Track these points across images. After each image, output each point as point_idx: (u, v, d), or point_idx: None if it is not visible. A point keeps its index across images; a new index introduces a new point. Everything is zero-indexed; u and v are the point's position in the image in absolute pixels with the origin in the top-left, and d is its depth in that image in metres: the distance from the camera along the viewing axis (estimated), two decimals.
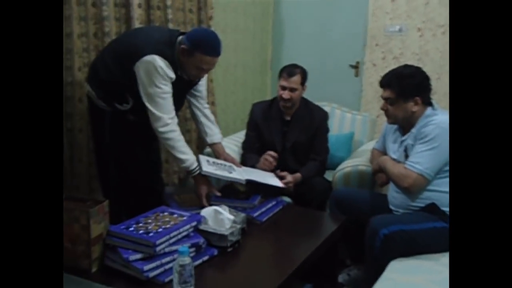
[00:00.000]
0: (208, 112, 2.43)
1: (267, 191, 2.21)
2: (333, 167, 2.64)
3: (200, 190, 2.10)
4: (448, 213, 1.88)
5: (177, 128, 2.05)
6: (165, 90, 1.99)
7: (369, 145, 2.70)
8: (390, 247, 1.80)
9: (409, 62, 3.62)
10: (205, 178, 2.12)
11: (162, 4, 2.86)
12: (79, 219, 1.51)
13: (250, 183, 2.16)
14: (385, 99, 2.06)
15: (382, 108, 2.10)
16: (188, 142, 3.23)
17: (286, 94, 2.50)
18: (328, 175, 2.59)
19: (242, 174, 2.21)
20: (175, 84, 2.06)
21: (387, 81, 2.05)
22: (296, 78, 2.50)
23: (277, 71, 4.33)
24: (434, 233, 1.84)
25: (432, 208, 1.91)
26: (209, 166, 2.17)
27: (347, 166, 2.43)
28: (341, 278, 2.23)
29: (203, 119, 2.40)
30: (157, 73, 1.94)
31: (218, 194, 2.13)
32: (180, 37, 2.04)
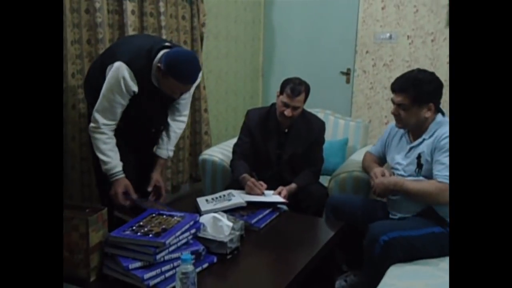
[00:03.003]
0: (174, 125, 2.28)
1: (267, 205, 2.20)
2: (328, 173, 2.65)
3: (116, 189, 2.02)
4: (444, 217, 1.90)
5: (109, 133, 2.01)
6: (117, 100, 1.95)
7: (363, 151, 2.71)
8: (390, 254, 1.80)
9: (399, 69, 3.70)
10: (123, 182, 2.05)
11: (155, 11, 2.86)
12: (78, 227, 1.49)
13: (251, 203, 2.14)
14: (398, 104, 1.99)
15: (393, 113, 2.03)
16: (181, 149, 3.23)
17: (288, 112, 2.35)
18: (323, 181, 2.59)
19: (242, 196, 2.19)
20: (154, 95, 2.02)
21: (401, 86, 1.98)
22: (301, 97, 2.35)
23: (268, 78, 4.40)
24: (433, 238, 1.85)
25: (429, 213, 1.93)
26: (208, 204, 2.14)
27: (342, 172, 2.43)
28: (338, 284, 2.23)
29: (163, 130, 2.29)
30: (118, 82, 1.91)
31: (135, 196, 2.07)
32: (163, 52, 1.97)
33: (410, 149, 2.04)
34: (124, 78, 1.91)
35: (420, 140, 2.00)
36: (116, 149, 2.04)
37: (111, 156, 2.02)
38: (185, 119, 2.33)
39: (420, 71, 2.03)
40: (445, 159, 1.87)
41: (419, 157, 1.99)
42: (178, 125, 2.30)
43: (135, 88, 1.95)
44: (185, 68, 1.91)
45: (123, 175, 2.05)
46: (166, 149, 2.28)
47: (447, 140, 1.88)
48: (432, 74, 2.01)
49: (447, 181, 1.83)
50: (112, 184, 2.05)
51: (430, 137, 1.97)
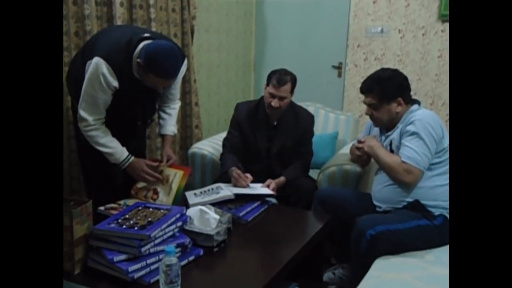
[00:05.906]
0: (169, 110, 2.34)
1: (255, 197, 2.21)
2: (318, 166, 2.65)
3: (141, 168, 2.09)
4: (429, 209, 1.92)
5: (101, 127, 2.01)
6: (100, 96, 1.93)
7: None
8: (377, 247, 1.80)
9: (390, 63, 3.71)
10: (140, 161, 2.11)
11: (144, 3, 2.83)
12: (62, 220, 1.47)
13: (239, 195, 2.15)
14: (368, 105, 2.09)
15: (367, 113, 2.12)
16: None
17: (275, 103, 2.37)
18: (313, 174, 2.59)
19: (230, 189, 2.20)
20: (137, 88, 1.99)
21: (367, 87, 2.08)
22: (287, 87, 2.36)
23: (260, 71, 4.39)
24: (419, 231, 1.86)
25: (415, 206, 1.94)
26: (196, 198, 2.15)
27: (331, 165, 2.43)
28: (326, 277, 2.24)
29: (160, 112, 2.35)
30: (98, 78, 1.88)
31: (155, 164, 2.17)
32: (142, 44, 1.92)
33: (387, 137, 2.11)
34: (103, 74, 1.87)
35: (394, 128, 2.08)
36: (114, 138, 2.04)
37: (113, 147, 2.03)
38: (178, 101, 2.39)
39: (383, 70, 2.14)
40: (410, 142, 1.95)
41: (390, 143, 2.07)
42: (174, 106, 2.35)
43: (115, 83, 1.92)
44: (164, 63, 1.87)
45: (133, 157, 2.08)
46: (170, 125, 2.34)
47: (414, 124, 1.95)
48: (395, 70, 2.11)
49: (410, 162, 1.92)
50: (128, 170, 2.08)
51: (401, 124, 2.04)
